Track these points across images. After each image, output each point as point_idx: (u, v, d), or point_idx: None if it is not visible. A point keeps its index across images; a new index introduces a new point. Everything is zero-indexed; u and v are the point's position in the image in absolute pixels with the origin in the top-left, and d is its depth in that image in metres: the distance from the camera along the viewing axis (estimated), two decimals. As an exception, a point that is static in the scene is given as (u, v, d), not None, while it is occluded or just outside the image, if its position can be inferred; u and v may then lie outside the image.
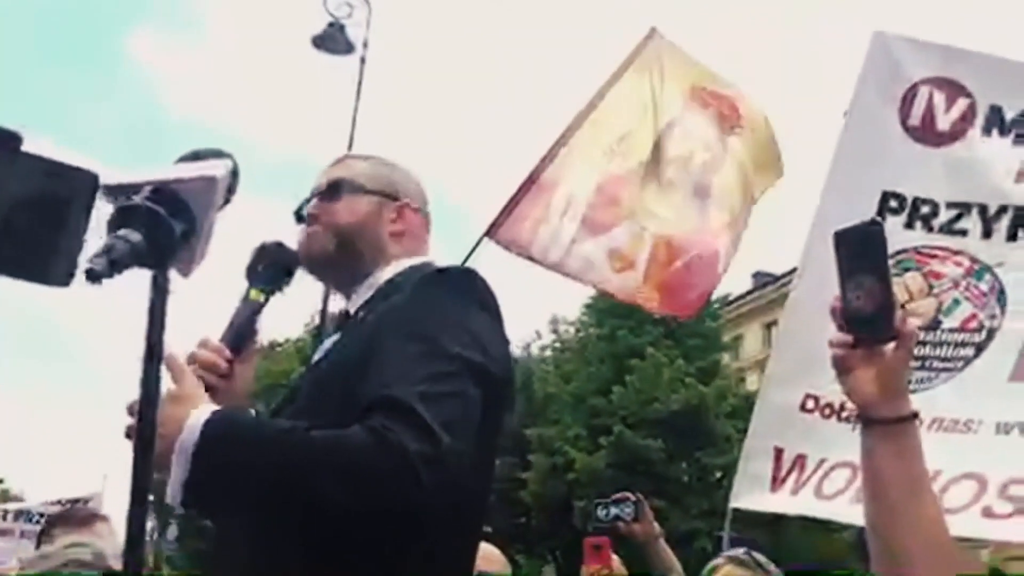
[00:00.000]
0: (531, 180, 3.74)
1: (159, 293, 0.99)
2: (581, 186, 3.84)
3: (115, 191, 1.01)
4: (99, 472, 13.85)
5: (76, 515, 2.81)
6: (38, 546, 2.90)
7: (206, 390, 1.51)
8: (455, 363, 1.39)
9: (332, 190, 1.71)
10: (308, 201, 1.74)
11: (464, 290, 1.52)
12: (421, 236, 1.76)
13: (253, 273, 1.60)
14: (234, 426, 1.33)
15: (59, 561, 2.02)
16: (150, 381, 0.99)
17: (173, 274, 1.02)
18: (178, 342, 1.38)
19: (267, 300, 1.59)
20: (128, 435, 1.35)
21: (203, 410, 1.31)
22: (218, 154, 1.15)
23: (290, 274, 1.63)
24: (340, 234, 1.68)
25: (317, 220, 1.69)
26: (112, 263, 0.94)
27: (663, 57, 4.02)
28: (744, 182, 4.14)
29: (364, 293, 1.65)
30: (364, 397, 1.33)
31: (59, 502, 6.49)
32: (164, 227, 1.00)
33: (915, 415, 1.26)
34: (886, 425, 1.24)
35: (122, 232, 0.97)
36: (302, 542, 1.35)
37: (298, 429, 1.31)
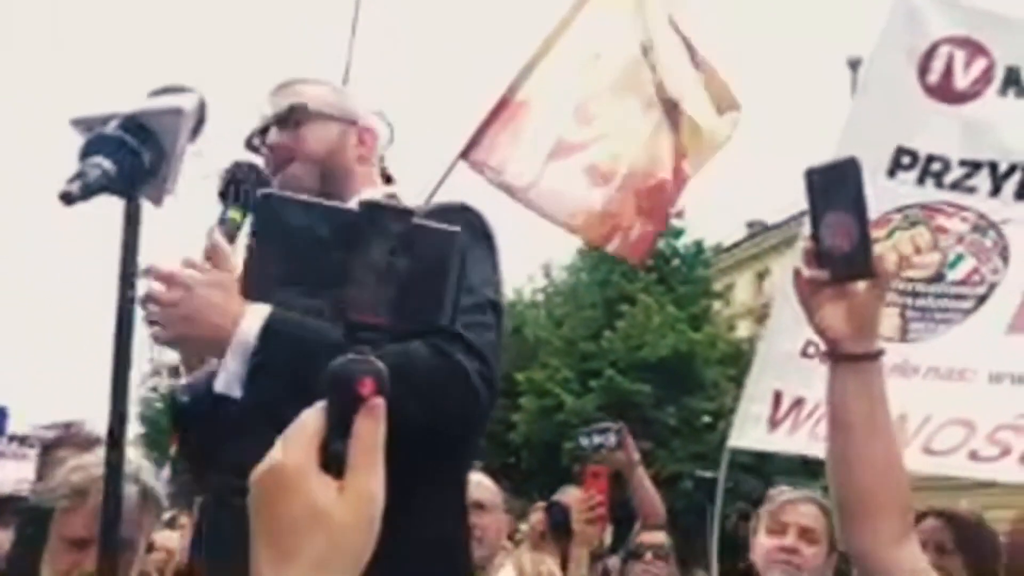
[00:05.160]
0: (503, 102, 3.69)
1: (131, 222, 1.04)
2: (555, 106, 3.77)
3: (87, 123, 1.07)
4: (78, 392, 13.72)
5: (80, 438, 2.76)
6: (40, 469, 2.84)
7: None
8: (482, 296, 1.47)
9: (294, 117, 1.64)
10: (263, 130, 1.66)
11: (483, 231, 1.56)
12: (373, 160, 1.76)
13: (228, 194, 1.56)
14: (296, 331, 1.30)
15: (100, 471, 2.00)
16: (124, 308, 1.03)
17: (145, 204, 1.07)
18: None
19: (243, 219, 1.55)
20: (143, 303, 1.35)
21: (261, 310, 1.31)
22: (185, 89, 1.18)
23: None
24: (321, 166, 1.64)
25: (292, 152, 1.63)
26: (85, 187, 0.99)
27: None
28: (707, 118, 4.02)
29: None
30: None
31: (53, 425, 6.58)
32: (133, 155, 1.04)
33: (881, 353, 1.28)
34: (855, 362, 1.26)
35: (94, 160, 1.02)
36: None
37: None
